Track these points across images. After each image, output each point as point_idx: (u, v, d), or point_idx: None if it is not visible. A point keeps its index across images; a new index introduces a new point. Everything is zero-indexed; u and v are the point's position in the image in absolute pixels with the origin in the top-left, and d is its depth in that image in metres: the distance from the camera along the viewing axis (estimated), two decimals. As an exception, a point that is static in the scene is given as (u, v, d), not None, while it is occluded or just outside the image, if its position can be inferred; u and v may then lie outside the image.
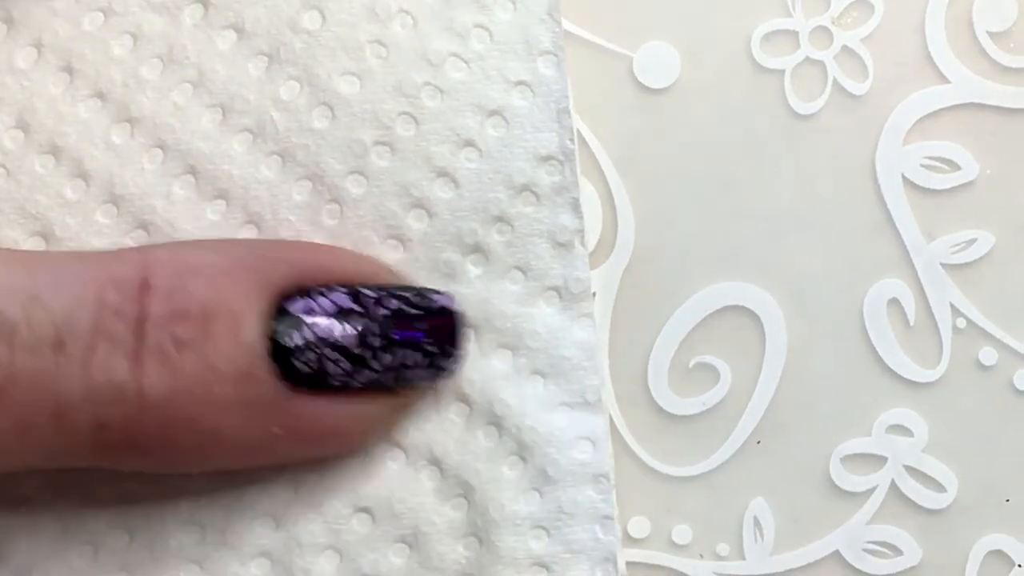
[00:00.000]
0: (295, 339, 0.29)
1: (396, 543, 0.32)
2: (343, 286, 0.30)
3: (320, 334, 0.29)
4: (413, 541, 0.32)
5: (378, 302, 0.30)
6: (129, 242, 0.32)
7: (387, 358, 0.30)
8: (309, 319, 0.29)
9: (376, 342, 0.30)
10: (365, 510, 0.32)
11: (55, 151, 0.33)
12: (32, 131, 0.33)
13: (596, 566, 0.32)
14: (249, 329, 0.29)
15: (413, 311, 0.31)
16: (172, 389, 0.28)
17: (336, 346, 0.30)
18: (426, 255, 0.32)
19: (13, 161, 0.33)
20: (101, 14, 0.33)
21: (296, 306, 0.30)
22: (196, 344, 0.28)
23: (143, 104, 0.33)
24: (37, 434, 0.28)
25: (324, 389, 0.30)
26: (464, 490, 0.32)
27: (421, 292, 0.31)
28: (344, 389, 0.30)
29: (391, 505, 0.32)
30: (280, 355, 0.29)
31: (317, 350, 0.29)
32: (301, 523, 0.32)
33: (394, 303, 0.31)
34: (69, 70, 0.33)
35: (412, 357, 0.31)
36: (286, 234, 0.32)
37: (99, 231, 0.32)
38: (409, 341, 0.31)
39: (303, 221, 0.32)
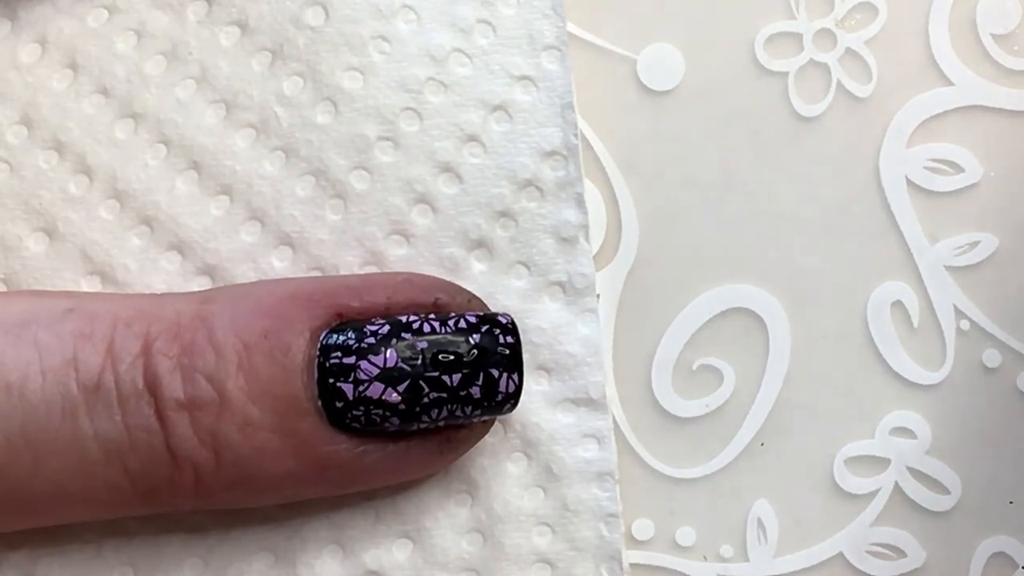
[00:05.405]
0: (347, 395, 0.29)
1: (400, 538, 0.32)
2: (394, 334, 0.29)
3: (371, 395, 0.29)
4: (417, 536, 0.32)
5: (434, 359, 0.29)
6: (132, 237, 0.32)
7: (437, 412, 0.29)
8: (360, 386, 0.29)
9: (428, 399, 0.29)
10: (368, 505, 0.32)
11: (59, 147, 0.33)
12: (36, 127, 0.33)
13: (600, 564, 0.32)
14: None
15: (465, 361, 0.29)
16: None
17: (386, 405, 0.29)
18: (430, 251, 0.32)
19: (17, 157, 0.33)
20: (105, 11, 0.33)
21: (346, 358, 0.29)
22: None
23: (147, 100, 0.33)
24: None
25: (375, 436, 0.30)
26: (468, 486, 0.32)
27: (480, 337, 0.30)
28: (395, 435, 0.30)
29: (395, 500, 0.32)
30: (333, 412, 0.29)
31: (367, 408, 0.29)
32: (304, 518, 0.32)
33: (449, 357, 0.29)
34: (73, 66, 0.33)
35: (463, 410, 0.30)
36: (289, 229, 0.32)
37: (102, 226, 0.32)
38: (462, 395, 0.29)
39: (306, 217, 0.32)
